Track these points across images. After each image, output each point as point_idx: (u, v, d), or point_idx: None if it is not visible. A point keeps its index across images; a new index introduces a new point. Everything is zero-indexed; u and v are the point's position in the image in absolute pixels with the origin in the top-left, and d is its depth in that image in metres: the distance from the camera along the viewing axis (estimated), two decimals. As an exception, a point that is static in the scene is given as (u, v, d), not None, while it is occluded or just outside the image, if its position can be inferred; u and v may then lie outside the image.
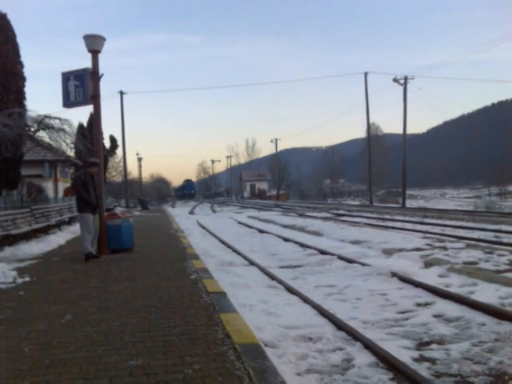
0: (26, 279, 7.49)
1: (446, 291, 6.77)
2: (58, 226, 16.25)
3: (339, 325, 5.30)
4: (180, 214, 32.60)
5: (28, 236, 12.70)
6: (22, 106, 17.41)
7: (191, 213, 36.40)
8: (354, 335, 4.90)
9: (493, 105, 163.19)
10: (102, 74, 10.63)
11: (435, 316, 5.73)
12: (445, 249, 10.64)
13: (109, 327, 4.74)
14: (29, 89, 20.86)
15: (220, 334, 4.40)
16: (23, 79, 17.75)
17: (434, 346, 4.72)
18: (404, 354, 4.43)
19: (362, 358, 4.34)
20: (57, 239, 13.42)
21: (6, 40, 16.88)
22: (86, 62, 10.92)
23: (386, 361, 4.20)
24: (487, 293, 6.70)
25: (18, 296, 6.40)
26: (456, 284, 7.51)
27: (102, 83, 10.72)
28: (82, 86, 10.58)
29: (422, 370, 4.07)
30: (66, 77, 10.69)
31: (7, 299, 6.21)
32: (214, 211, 39.16)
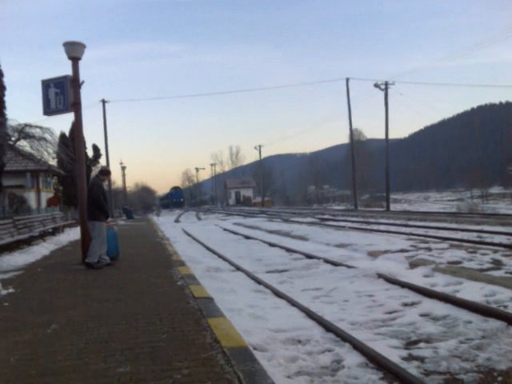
0: (11, 290, 7.35)
1: (432, 290, 6.83)
2: (42, 236, 16.03)
3: (327, 327, 5.30)
4: (165, 223, 32.42)
5: (11, 247, 12.50)
6: (2, 115, 17.21)
7: (176, 221, 36.24)
8: (343, 336, 4.91)
9: (472, 109, 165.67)
10: (83, 82, 10.55)
11: (422, 315, 5.77)
12: (429, 249, 10.75)
13: (96, 335, 4.68)
14: (9, 97, 20.55)
15: (208, 338, 4.37)
16: (3, 88, 17.54)
17: (422, 344, 4.75)
18: (393, 353, 4.45)
19: (352, 358, 4.35)
20: (41, 250, 13.23)
21: (-14, 49, 16.75)
22: (66, 71, 10.83)
23: (376, 361, 4.21)
24: (472, 291, 6.78)
25: (3, 307, 6.28)
26: (441, 283, 7.58)
27: (84, 92, 10.69)
28: (62, 94, 10.48)
29: (412, 368, 4.10)
30: (46, 84, 10.59)
31: (-9, 310, 6.10)
32: (199, 219, 39.04)
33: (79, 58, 10.49)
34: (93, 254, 9.60)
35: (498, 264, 8.67)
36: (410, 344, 4.79)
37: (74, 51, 10.40)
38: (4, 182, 18.52)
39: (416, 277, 8.15)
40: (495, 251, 10.05)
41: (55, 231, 18.49)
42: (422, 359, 4.33)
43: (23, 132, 18.10)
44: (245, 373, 3.47)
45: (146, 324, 5.01)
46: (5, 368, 3.86)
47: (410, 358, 4.37)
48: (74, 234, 18.10)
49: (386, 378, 3.89)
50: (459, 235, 14.31)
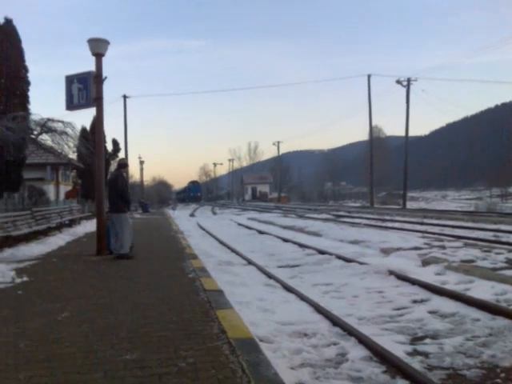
0: (25, 279, 7.52)
1: (442, 288, 6.81)
2: (59, 228, 16.31)
3: (334, 321, 5.33)
4: (180, 217, 32.64)
5: (28, 238, 12.75)
6: (25, 109, 17.52)
7: (192, 215, 36.44)
8: (349, 331, 4.94)
9: (496, 106, 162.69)
10: (106, 77, 10.74)
11: (430, 312, 5.76)
12: (443, 248, 10.67)
13: (105, 324, 4.77)
14: (32, 92, 20.95)
15: (215, 329, 4.44)
16: (27, 83, 17.89)
17: (427, 340, 4.75)
18: (398, 348, 4.46)
19: (356, 352, 4.37)
20: (57, 241, 13.46)
21: (12, 45, 17.04)
22: (86, 67, 11.02)
23: (380, 355, 4.23)
24: (483, 289, 6.73)
25: (16, 295, 6.44)
26: (453, 281, 7.54)
27: (105, 88, 10.85)
28: (85, 89, 10.70)
29: (415, 363, 4.11)
30: (70, 80, 10.82)
31: (5, 298, 6.24)
32: (214, 213, 39.21)
33: (103, 55, 10.68)
34: (124, 244, 9.86)
35: (511, 264, 8.58)
36: (415, 340, 4.79)
37: (98, 48, 10.58)
38: (24, 175, 18.84)
39: (427, 274, 8.10)
40: (510, 251, 9.94)
41: (72, 223, 18.79)
42: (426, 355, 4.33)
43: (45, 126, 18.33)
44: (249, 363, 3.52)
45: (155, 314, 5.09)
46: (14, 353, 3.96)
47: (414, 353, 4.38)
48: (90, 225, 18.34)
49: (389, 371, 3.91)
50: (475, 234, 14.17)
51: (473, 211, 27.48)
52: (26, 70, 17.78)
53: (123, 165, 10.79)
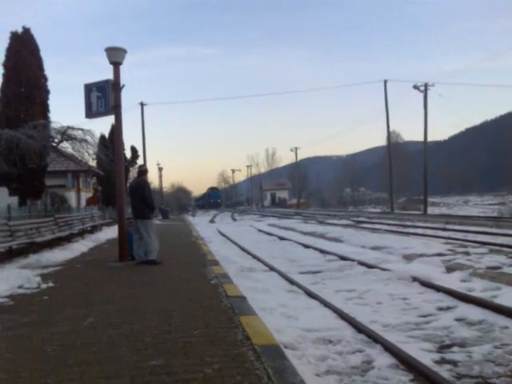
0: (50, 284, 7.62)
1: (469, 295, 6.70)
2: (81, 234, 16.51)
3: (359, 328, 5.28)
4: (200, 223, 32.78)
5: (51, 244, 12.93)
6: (45, 117, 17.84)
7: (212, 221, 36.58)
8: (374, 338, 4.88)
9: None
10: (123, 85, 10.87)
11: (457, 320, 5.67)
12: (467, 254, 10.51)
13: (130, 329, 4.80)
14: (52, 101, 21.25)
15: (240, 335, 4.42)
16: (47, 92, 18.20)
17: (455, 348, 4.67)
18: (425, 356, 4.39)
19: (382, 359, 4.32)
20: (79, 247, 13.63)
21: (30, 54, 17.35)
22: (103, 75, 11.20)
23: (407, 362, 4.17)
24: (511, 297, 6.59)
25: (42, 300, 6.53)
26: (479, 288, 7.40)
27: (123, 95, 10.97)
28: (103, 97, 10.83)
29: (443, 371, 4.04)
30: (89, 88, 10.96)
31: (32, 303, 6.34)
32: (234, 220, 39.26)
33: (120, 63, 10.81)
34: (153, 250, 9.96)
35: (538, 270, 8.41)
36: (443, 348, 4.72)
37: (116, 56, 10.72)
38: (46, 182, 19.15)
39: (452, 281, 7.98)
40: (536, 257, 9.74)
41: (93, 229, 19.00)
42: (454, 363, 4.26)
43: (66, 134, 18.66)
44: (274, 369, 3.50)
45: (180, 320, 5.10)
46: (42, 358, 4.01)
47: (442, 362, 4.31)
48: (111, 232, 18.54)
49: (417, 380, 3.86)
50: (499, 240, 13.90)
51: (496, 217, 27.00)
52: (45, 78, 18.10)
53: (144, 171, 10.89)
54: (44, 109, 18.00)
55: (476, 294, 6.98)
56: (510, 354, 4.38)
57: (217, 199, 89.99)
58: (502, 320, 5.45)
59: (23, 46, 17.22)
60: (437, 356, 4.46)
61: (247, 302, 5.98)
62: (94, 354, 4.05)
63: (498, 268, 8.77)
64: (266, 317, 5.46)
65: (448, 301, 6.62)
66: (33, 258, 10.71)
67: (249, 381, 3.31)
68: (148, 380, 3.41)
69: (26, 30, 17.51)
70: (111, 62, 10.76)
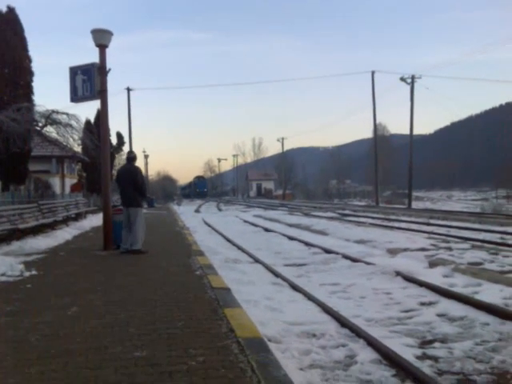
0: (33, 273, 7.56)
1: (450, 291, 6.78)
2: (65, 221, 16.36)
3: (342, 322, 5.32)
4: (186, 212, 32.70)
5: (35, 231, 12.79)
6: (29, 100, 17.48)
7: (197, 211, 36.49)
8: (358, 332, 4.93)
9: (501, 106, 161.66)
10: (110, 69, 10.69)
11: (439, 315, 5.74)
12: (450, 249, 10.64)
13: (114, 319, 4.79)
14: (36, 84, 20.85)
15: (224, 328, 4.43)
16: (31, 74, 17.80)
17: (437, 344, 4.73)
18: (407, 351, 4.44)
19: (365, 354, 4.36)
20: (63, 234, 13.51)
21: (15, 34, 16.94)
22: (91, 59, 10.95)
23: (389, 358, 4.22)
24: (491, 293, 6.69)
25: (26, 289, 6.47)
26: (460, 284, 7.50)
27: (109, 80, 10.80)
28: (89, 81, 10.65)
29: (425, 367, 4.09)
30: (74, 71, 10.76)
31: (15, 292, 6.28)
32: (219, 210, 39.23)
33: (106, 46, 10.62)
34: (138, 240, 9.90)
35: (519, 267, 8.55)
36: (424, 343, 4.78)
37: (102, 39, 10.53)
38: (30, 167, 18.89)
39: (435, 276, 8.06)
40: (517, 253, 9.90)
41: (78, 217, 18.85)
42: (435, 359, 4.32)
43: (50, 118, 18.35)
44: (258, 363, 3.51)
45: (164, 311, 5.10)
46: (25, 347, 3.99)
47: (423, 357, 4.37)
48: (96, 219, 18.40)
49: (399, 375, 3.90)
50: (481, 236, 14.10)
51: (479, 212, 27.36)
52: (29, 60, 17.69)
53: (134, 158, 10.71)
54: (28, 91, 17.60)
55: (458, 289, 7.06)
56: (490, 351, 4.45)
57: (203, 188, 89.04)
58: (482, 316, 5.53)
59: (7, 25, 16.79)
60: (418, 351, 4.51)
61: (232, 293, 6.00)
62: (77, 344, 4.04)
63: (480, 264, 8.89)
64: (250, 309, 5.48)
65: (430, 296, 6.70)
66: (16, 245, 10.61)
67: (233, 374, 3.33)
68: (132, 371, 3.40)
69: (11, 10, 17.08)
70: (97, 45, 10.56)
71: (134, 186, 9.97)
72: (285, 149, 78.42)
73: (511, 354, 4.31)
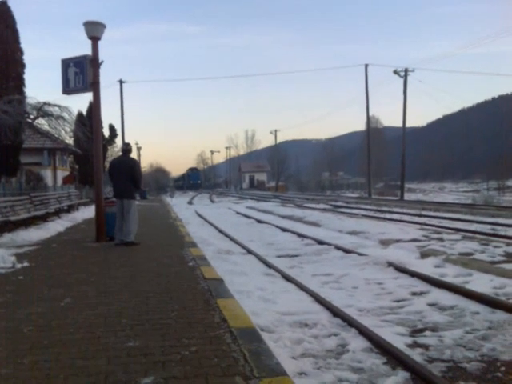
0: (25, 264, 7.54)
1: (441, 281, 6.85)
2: (57, 213, 16.30)
3: (335, 312, 5.36)
4: (178, 204, 32.66)
5: (27, 223, 12.74)
6: (21, 92, 17.39)
7: (190, 203, 36.47)
8: (350, 322, 4.97)
9: (493, 99, 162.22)
10: (102, 61, 10.63)
11: (430, 304, 5.80)
12: (441, 240, 10.72)
13: (107, 310, 4.79)
14: (28, 76, 20.71)
15: (217, 318, 4.45)
16: (23, 66, 17.71)
17: (427, 332, 4.79)
18: (398, 340, 4.50)
19: (357, 343, 4.41)
20: (56, 226, 13.47)
21: (6, 27, 16.84)
22: (83, 51, 10.90)
23: (380, 346, 4.27)
24: (482, 283, 6.77)
25: (18, 280, 6.46)
26: (451, 274, 7.57)
27: (102, 72, 10.73)
28: (81, 73, 10.58)
29: (415, 355, 4.14)
30: (66, 63, 10.69)
31: (6, 283, 6.27)
32: (212, 201, 39.23)
33: (99, 38, 10.55)
34: (131, 231, 9.88)
35: (510, 257, 8.65)
36: (415, 332, 4.84)
37: (94, 31, 10.46)
38: (21, 159, 18.79)
39: (426, 267, 8.14)
40: (508, 244, 10.00)
41: (70, 209, 18.77)
42: (426, 347, 4.37)
43: (42, 110, 18.27)
44: (251, 352, 3.54)
45: (157, 302, 5.11)
46: (18, 338, 3.98)
47: (414, 345, 4.42)
48: (88, 212, 18.36)
49: (390, 363, 3.95)
50: (473, 227, 14.23)
51: (470, 204, 27.54)
52: (21, 52, 17.59)
53: (129, 150, 10.63)
54: (20, 83, 17.52)
55: (448, 279, 7.14)
56: (480, 339, 4.51)
57: (197, 180, 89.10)
58: (472, 305, 5.60)
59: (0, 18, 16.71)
60: (409, 340, 4.57)
61: (224, 284, 6.01)
62: (70, 334, 4.04)
63: (471, 254, 8.98)
64: (243, 300, 5.51)
65: (421, 286, 6.77)
66: (7, 237, 10.56)
67: (226, 363, 3.35)
68: (125, 361, 3.41)
69: (3, 3, 16.98)
70: (89, 37, 10.49)
71: (130, 178, 9.91)
72: (278, 141, 78.50)
73: (501, 342, 4.38)
